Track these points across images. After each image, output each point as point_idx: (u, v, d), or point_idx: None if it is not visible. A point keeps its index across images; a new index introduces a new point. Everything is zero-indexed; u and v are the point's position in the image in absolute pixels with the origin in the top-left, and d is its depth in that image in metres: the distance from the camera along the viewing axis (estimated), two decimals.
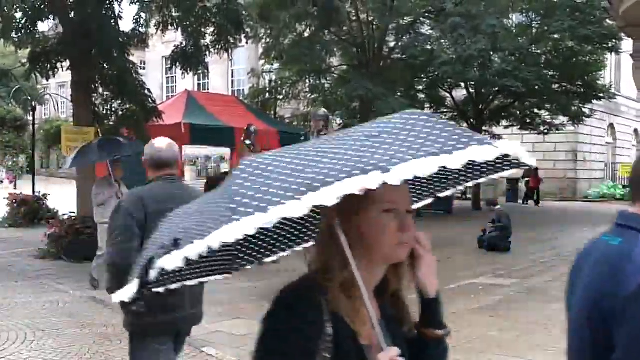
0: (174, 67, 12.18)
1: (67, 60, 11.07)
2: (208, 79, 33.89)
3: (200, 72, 12.52)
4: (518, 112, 24.01)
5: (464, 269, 11.16)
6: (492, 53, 17.43)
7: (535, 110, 23.70)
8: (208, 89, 34.27)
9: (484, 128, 24.27)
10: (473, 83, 20.95)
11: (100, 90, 11.57)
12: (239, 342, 6.35)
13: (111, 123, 11.69)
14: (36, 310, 7.44)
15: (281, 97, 18.01)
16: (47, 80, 11.85)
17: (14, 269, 10.33)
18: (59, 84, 40.55)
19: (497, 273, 10.75)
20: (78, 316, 7.18)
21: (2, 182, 33.66)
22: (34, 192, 17.58)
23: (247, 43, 17.42)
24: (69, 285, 8.95)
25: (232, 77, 37.02)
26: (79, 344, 6.04)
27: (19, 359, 5.58)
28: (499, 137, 25.13)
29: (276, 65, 19.40)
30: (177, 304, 3.12)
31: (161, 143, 3.37)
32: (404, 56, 17.82)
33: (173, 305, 3.11)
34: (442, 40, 17.14)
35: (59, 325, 6.74)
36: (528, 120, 24.43)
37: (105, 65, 11.00)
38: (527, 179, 27.60)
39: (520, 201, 27.20)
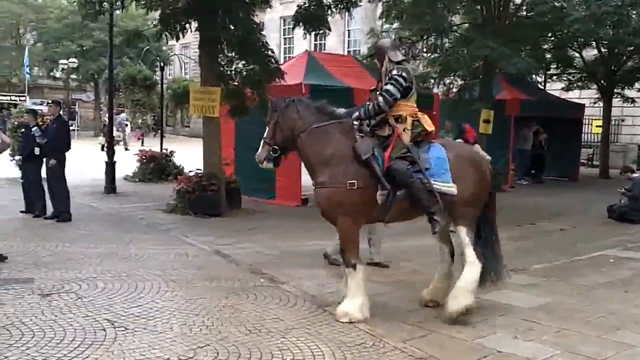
0: (296, 27, 12.19)
1: (195, 21, 11.37)
2: (325, 39, 33.91)
3: (322, 32, 12.45)
4: None
5: (591, 239, 10.63)
6: (629, 8, 16.08)
7: None
8: (324, 49, 34.30)
9: (615, 90, 22.79)
10: (605, 42, 19.52)
11: (226, 51, 11.81)
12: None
13: (235, 83, 11.95)
14: (167, 262, 7.84)
15: None
16: (177, 41, 12.26)
17: (144, 222, 10.96)
18: (182, 45, 42.16)
19: (628, 245, 10.16)
20: (206, 269, 7.49)
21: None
22: (161, 149, 18.47)
23: (362, 2, 17.07)
24: (195, 239, 9.36)
25: (348, 37, 36.83)
26: (209, 297, 6.29)
27: (155, 307, 5.90)
28: (632, 100, 23.52)
29: (395, 25, 18.99)
30: None
31: None
32: (531, 14, 16.81)
33: None
34: None
35: (188, 277, 7.06)
36: None
37: (230, 26, 11.21)
38: None
39: None
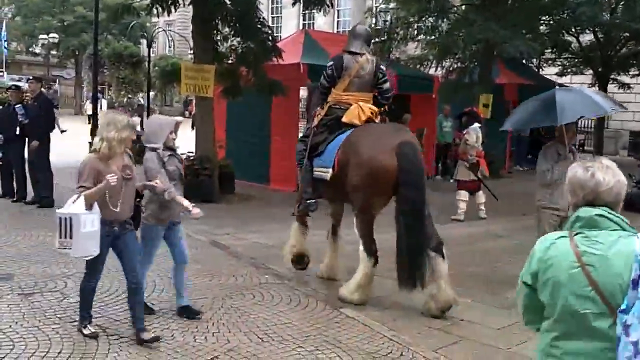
0: (296, 3, 11.44)
1: None
2: (314, 19, 33.09)
3: (323, 8, 11.69)
4: None
5: None
6: None
7: None
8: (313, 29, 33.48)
9: (611, 76, 22.46)
10: (601, 27, 19.15)
11: (220, 27, 11.08)
12: (375, 303, 5.82)
13: (230, 62, 11.25)
14: (160, 255, 7.10)
15: (398, 38, 16.95)
16: (168, 15, 11.44)
17: None
18: (166, 22, 40.93)
19: None
20: (204, 264, 6.85)
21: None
22: None
23: None
24: (190, 229, 8.59)
25: (338, 17, 35.99)
26: (211, 296, 5.70)
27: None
28: (627, 85, 23.18)
29: (392, 5, 18.38)
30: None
31: None
32: None
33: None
34: None
35: (186, 273, 6.42)
36: None
37: (227, 0, 10.48)
38: None
39: None
